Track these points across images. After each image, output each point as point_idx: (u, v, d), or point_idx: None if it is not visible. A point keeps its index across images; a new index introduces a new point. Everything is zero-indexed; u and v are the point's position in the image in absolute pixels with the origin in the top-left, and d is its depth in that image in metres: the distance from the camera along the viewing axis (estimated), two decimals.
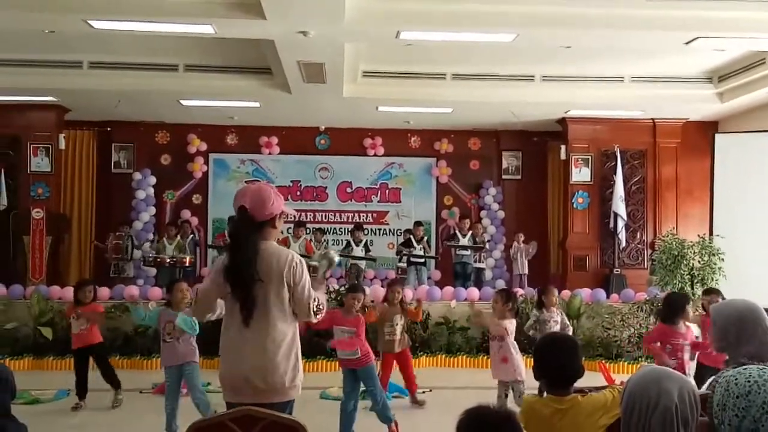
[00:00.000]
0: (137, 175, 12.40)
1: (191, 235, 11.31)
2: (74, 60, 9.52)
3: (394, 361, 6.53)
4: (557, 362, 2.67)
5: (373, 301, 7.08)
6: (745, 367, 1.79)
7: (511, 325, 5.57)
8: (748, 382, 1.72)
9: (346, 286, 6.86)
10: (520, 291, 8.98)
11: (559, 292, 7.39)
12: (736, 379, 1.75)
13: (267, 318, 3.03)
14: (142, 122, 12.33)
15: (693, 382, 1.95)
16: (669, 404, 1.83)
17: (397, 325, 6.39)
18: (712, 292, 6.03)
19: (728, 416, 1.73)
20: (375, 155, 12.99)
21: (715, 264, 9.00)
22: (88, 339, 6.38)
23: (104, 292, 8.79)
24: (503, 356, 5.50)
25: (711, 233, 9.52)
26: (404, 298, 6.75)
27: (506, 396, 5.51)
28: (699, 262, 9.14)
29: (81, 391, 6.32)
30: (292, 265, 3.07)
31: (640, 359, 8.15)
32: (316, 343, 8.15)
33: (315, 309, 3.11)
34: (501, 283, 11.80)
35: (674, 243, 9.38)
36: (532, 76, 10.11)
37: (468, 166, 13.11)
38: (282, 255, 3.08)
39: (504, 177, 13.15)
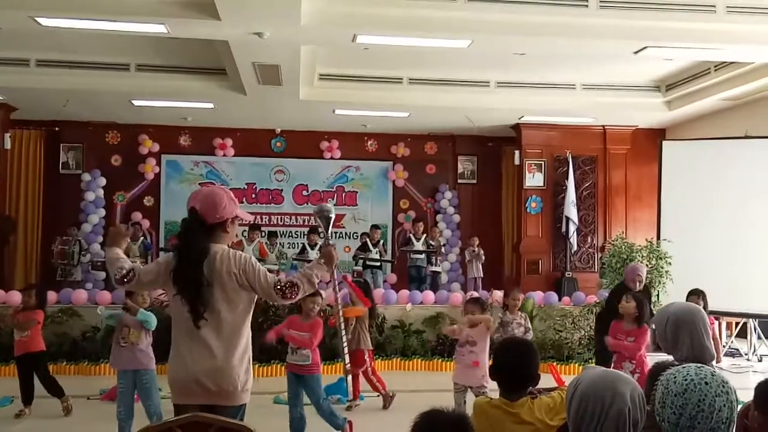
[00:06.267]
0: (86, 176, 12.10)
1: (142, 238, 11.08)
2: (21, 57, 9.26)
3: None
4: (512, 365, 2.72)
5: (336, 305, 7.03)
6: (684, 366, 1.85)
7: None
8: (685, 380, 1.78)
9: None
10: (474, 294, 9.05)
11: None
12: (674, 377, 1.81)
13: (218, 322, 2.98)
14: (92, 122, 12.04)
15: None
16: (623, 407, 1.85)
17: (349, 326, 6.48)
18: (693, 294, 6.25)
19: (667, 414, 1.78)
20: (332, 158, 12.97)
21: (662, 267, 9.24)
22: (29, 346, 6.17)
23: (50, 296, 8.52)
24: (474, 360, 5.41)
25: (659, 237, 9.77)
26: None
27: (465, 403, 5.47)
28: (647, 265, 9.36)
29: (26, 398, 6.12)
30: (243, 265, 3.02)
31: (590, 360, 8.31)
32: (270, 348, 8.09)
33: (281, 290, 3.03)
34: (456, 287, 11.89)
35: (623, 247, 9.60)
36: (488, 82, 10.25)
37: (424, 170, 13.20)
38: (233, 258, 3.03)
39: (459, 181, 13.28)
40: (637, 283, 6.11)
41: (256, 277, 3.01)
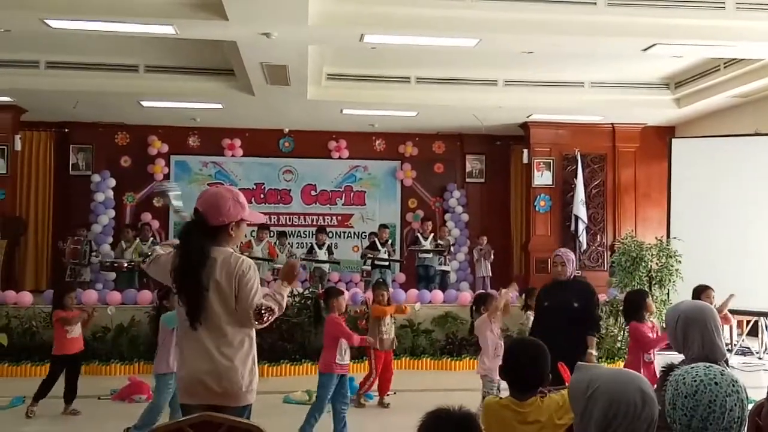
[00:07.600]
0: (96, 177, 12.17)
1: (151, 239, 11.12)
2: (31, 59, 9.32)
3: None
4: (522, 366, 2.71)
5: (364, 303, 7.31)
6: (692, 366, 1.83)
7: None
8: (695, 381, 1.76)
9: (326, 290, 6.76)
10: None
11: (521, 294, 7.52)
12: (683, 378, 1.79)
13: (218, 323, 2.95)
14: (101, 123, 12.10)
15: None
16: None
17: (390, 324, 6.74)
18: (706, 289, 6.01)
19: (678, 415, 1.77)
20: (339, 158, 12.98)
21: (672, 266, 9.18)
22: (80, 345, 6.28)
23: None
24: None
25: (668, 236, 9.72)
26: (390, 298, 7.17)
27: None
28: (657, 264, 9.31)
29: (41, 396, 6.11)
30: (240, 272, 2.96)
31: (599, 359, 8.26)
32: (279, 347, 8.11)
33: (259, 313, 2.96)
34: (465, 286, 11.88)
35: (633, 245, 9.54)
36: (495, 81, 10.22)
37: (432, 169, 13.19)
38: (232, 262, 2.97)
39: (468, 180, 13.26)
40: (559, 267, 5.31)
41: (243, 289, 2.95)
